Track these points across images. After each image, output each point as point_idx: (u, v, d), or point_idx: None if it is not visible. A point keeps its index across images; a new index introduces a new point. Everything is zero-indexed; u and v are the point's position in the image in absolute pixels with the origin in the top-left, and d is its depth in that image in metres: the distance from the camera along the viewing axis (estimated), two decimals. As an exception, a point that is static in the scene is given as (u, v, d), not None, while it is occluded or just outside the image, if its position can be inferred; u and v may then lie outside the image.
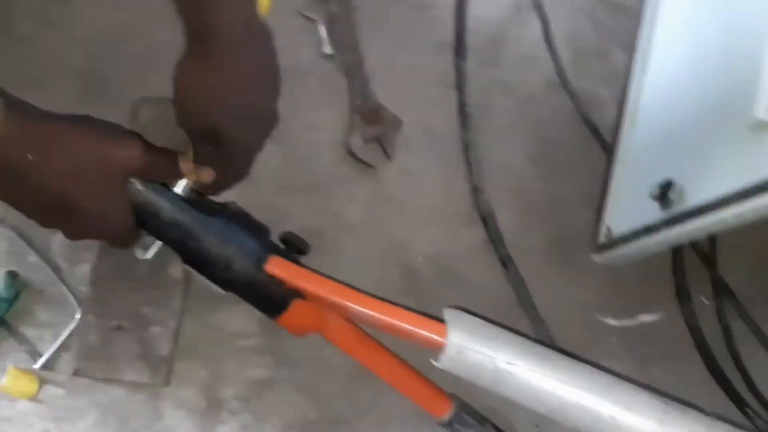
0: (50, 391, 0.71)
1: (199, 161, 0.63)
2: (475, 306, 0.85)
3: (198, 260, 0.59)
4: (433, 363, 0.55)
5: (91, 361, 0.68)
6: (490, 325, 0.57)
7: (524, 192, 0.89)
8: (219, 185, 0.63)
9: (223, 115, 0.59)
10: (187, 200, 0.60)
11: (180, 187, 0.60)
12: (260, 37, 0.59)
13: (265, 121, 0.63)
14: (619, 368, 0.85)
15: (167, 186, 0.60)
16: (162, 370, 0.68)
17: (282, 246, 0.64)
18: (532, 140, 0.92)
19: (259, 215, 0.81)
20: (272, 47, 0.61)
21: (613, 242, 0.82)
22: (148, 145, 0.58)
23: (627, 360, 0.87)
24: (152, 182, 0.58)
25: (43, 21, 0.82)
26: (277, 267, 0.59)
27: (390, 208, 0.85)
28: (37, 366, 0.71)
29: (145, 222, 0.58)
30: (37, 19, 0.82)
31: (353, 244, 0.83)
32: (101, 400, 0.71)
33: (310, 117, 0.85)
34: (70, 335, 0.72)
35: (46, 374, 0.71)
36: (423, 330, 0.55)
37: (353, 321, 0.64)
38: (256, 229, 0.62)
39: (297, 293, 0.60)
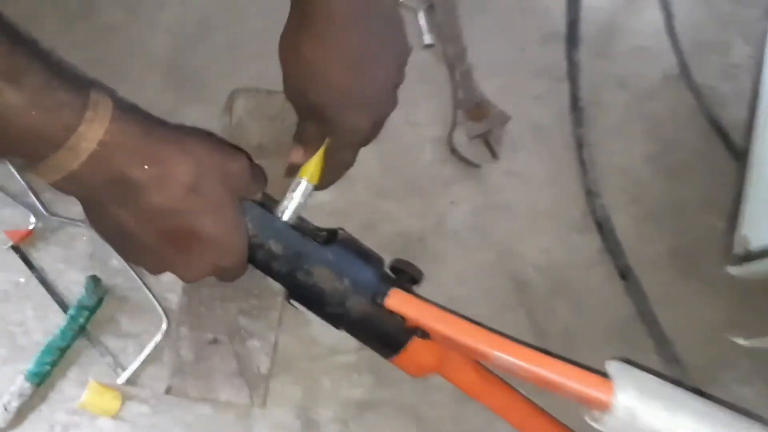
0: (133, 408, 0.65)
1: (302, 142, 0.57)
2: (593, 322, 0.77)
3: (309, 296, 0.52)
4: (592, 424, 0.47)
5: (185, 378, 0.61)
6: (664, 383, 0.48)
7: (642, 196, 0.80)
8: (323, 176, 0.57)
9: (329, 94, 0.52)
10: (294, 227, 0.53)
11: (287, 211, 0.54)
12: (380, 8, 0.52)
13: (377, 106, 0.56)
14: (750, 394, 0.77)
15: (270, 210, 0.54)
16: (261, 390, 0.61)
17: (393, 275, 0.57)
18: (650, 139, 0.82)
19: (355, 218, 0.75)
20: (396, 23, 0.53)
21: (753, 254, 0.72)
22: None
23: (758, 385, 0.78)
24: (258, 204, 0.52)
25: (128, 8, 0.77)
26: (398, 302, 0.52)
27: (496, 212, 0.77)
28: (120, 381, 0.64)
29: (253, 254, 0.52)
30: (121, 7, 0.77)
31: (457, 252, 0.75)
32: (188, 419, 0.65)
33: (409, 112, 0.78)
34: (155, 347, 0.65)
35: (130, 390, 0.65)
36: (584, 386, 0.47)
37: (476, 360, 0.57)
38: (369, 258, 0.55)
39: (416, 330, 0.52)
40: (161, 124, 0.48)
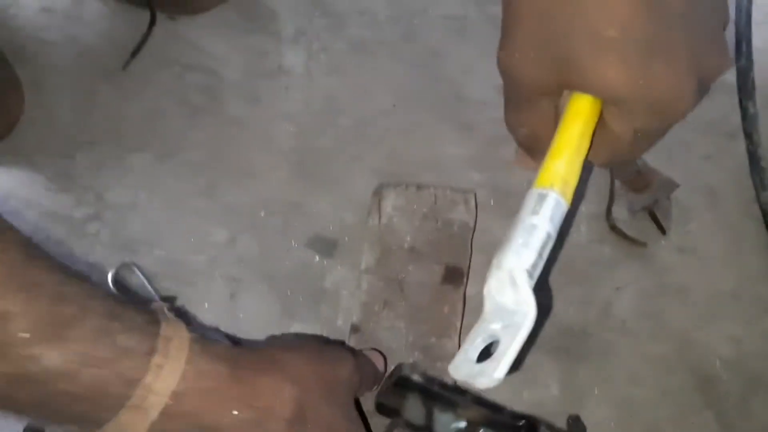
0: None
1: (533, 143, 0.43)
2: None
3: None
4: None
5: None
6: None
7: None
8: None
9: (590, 41, 0.34)
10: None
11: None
12: None
13: (698, 50, 0.36)
14: None
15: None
16: None
17: None
18: None
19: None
20: None
21: None
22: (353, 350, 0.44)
23: None
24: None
25: (251, 98, 0.74)
26: None
27: (670, 296, 0.67)
28: None
29: None
30: (245, 98, 0.74)
31: (628, 345, 0.65)
32: None
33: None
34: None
35: None
36: None
37: None
38: None
39: None
40: (250, 350, 0.41)
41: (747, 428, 0.62)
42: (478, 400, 0.52)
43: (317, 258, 0.67)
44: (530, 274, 0.35)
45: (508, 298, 0.35)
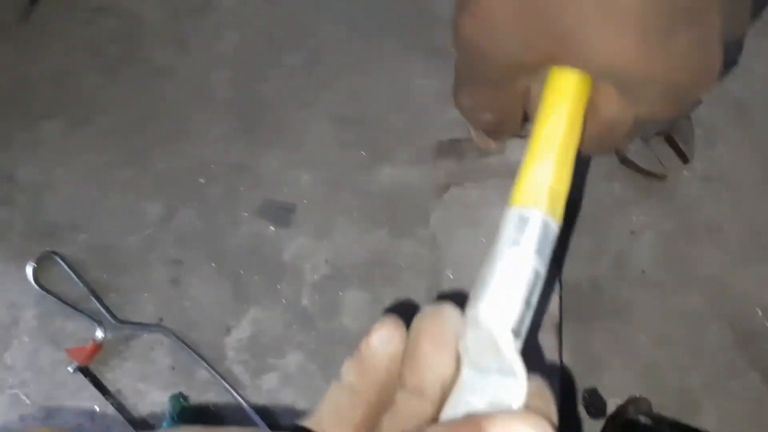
0: None
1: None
2: None
3: None
4: None
5: None
6: None
7: None
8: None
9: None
10: None
11: None
12: None
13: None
14: None
15: None
16: None
17: None
18: None
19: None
20: None
21: None
22: None
23: None
24: None
25: (178, 44, 0.61)
26: None
27: (697, 238, 0.56)
28: None
29: None
30: (171, 44, 0.61)
31: (649, 299, 0.54)
32: None
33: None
34: (267, 482, 0.50)
35: None
36: None
37: None
38: None
39: None
40: None
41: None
42: None
43: (272, 228, 0.57)
44: (516, 332, 0.25)
45: (489, 363, 0.25)
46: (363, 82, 0.59)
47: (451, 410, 0.27)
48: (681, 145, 0.56)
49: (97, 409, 0.54)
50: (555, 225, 0.27)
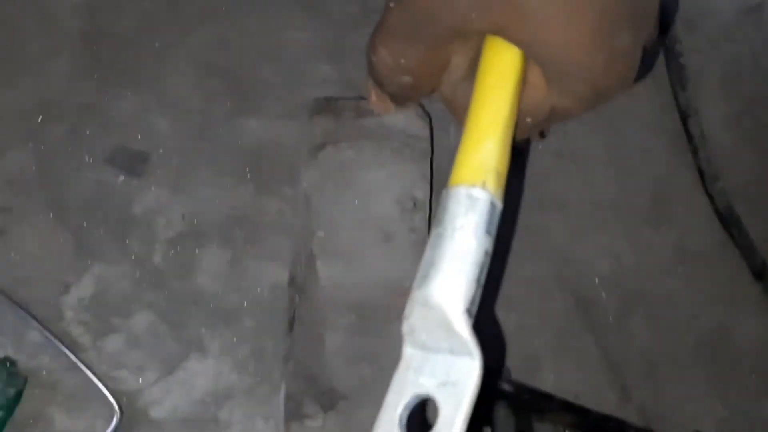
0: None
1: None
2: (677, 342, 0.60)
3: None
4: None
5: None
6: None
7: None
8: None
9: None
10: None
11: None
12: None
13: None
14: None
15: None
16: None
17: None
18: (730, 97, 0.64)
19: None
20: None
21: None
22: None
23: None
24: None
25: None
26: None
27: (548, 208, 0.59)
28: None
29: None
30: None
31: (501, 267, 0.57)
32: None
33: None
34: (108, 450, 0.46)
35: None
36: None
37: None
38: None
39: None
40: None
41: (626, 350, 0.58)
42: (564, 404, 0.49)
43: (122, 177, 0.52)
44: (470, 312, 0.25)
45: (439, 343, 0.25)
46: (232, 28, 0.55)
47: (398, 391, 0.26)
48: (539, 122, 0.59)
49: None
50: (500, 205, 0.27)
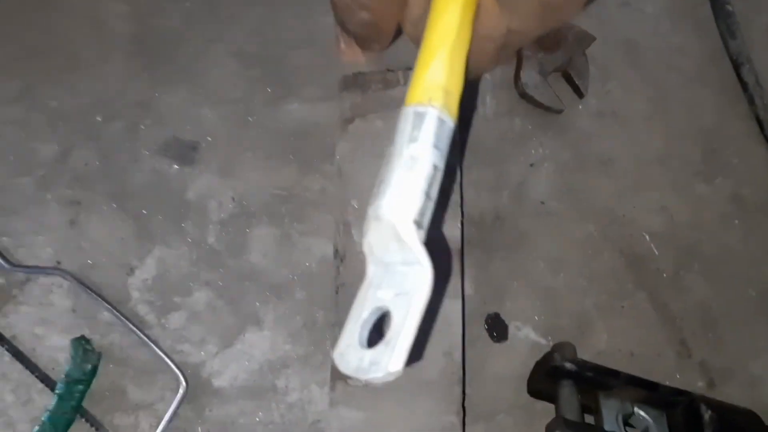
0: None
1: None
2: (738, 295, 0.58)
3: None
4: None
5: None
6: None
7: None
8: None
9: None
10: None
11: None
12: None
13: None
14: None
15: None
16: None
17: None
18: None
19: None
20: None
21: None
22: None
23: None
24: None
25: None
26: None
27: (591, 169, 0.58)
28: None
29: None
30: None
31: (547, 228, 0.57)
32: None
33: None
34: (175, 416, 0.50)
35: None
36: None
37: None
38: None
39: None
40: None
41: (681, 306, 0.56)
42: (631, 379, 0.49)
43: (175, 166, 0.55)
44: (419, 223, 0.26)
45: (394, 256, 0.26)
46: (267, 19, 0.58)
47: (359, 307, 0.27)
48: (576, 81, 0.58)
49: (-8, 356, 0.52)
50: (450, 121, 0.28)
